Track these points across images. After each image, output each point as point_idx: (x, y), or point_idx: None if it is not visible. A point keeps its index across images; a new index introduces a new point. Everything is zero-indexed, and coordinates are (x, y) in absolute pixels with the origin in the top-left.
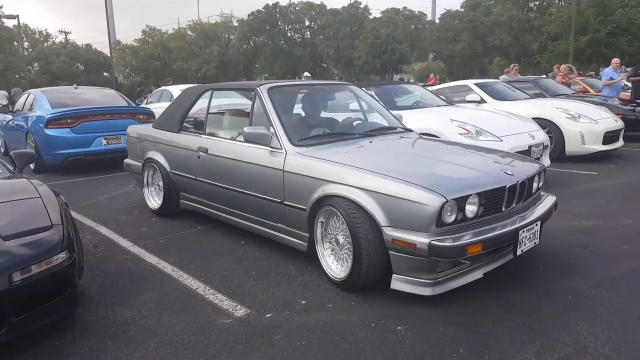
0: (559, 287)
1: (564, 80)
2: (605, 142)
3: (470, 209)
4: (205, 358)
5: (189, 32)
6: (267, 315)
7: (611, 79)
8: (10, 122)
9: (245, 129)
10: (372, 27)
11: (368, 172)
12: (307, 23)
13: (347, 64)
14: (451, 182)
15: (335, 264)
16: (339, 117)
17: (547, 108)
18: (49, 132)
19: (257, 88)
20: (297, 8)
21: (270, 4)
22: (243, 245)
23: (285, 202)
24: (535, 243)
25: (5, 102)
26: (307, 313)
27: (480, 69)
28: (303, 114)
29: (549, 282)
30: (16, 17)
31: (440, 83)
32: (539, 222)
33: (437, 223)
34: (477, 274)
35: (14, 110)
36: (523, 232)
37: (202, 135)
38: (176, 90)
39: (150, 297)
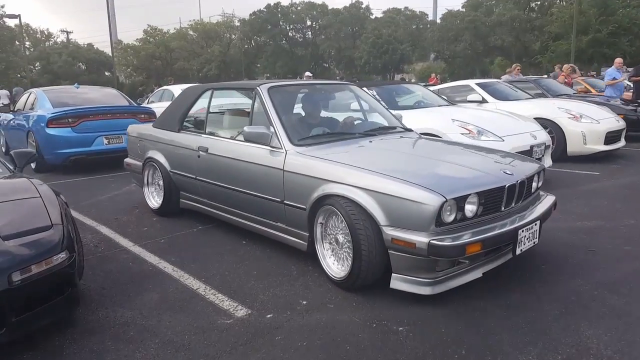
0: (561, 287)
1: (566, 80)
2: (607, 142)
3: (470, 209)
4: (206, 359)
5: (191, 32)
6: (268, 316)
7: (614, 78)
8: (12, 122)
9: (246, 129)
10: (374, 27)
11: (368, 172)
12: (308, 23)
13: (349, 64)
14: (450, 181)
15: (335, 264)
16: (340, 116)
17: (549, 108)
18: (50, 131)
19: (257, 87)
20: (299, 8)
21: (272, 4)
22: (244, 245)
23: (285, 202)
24: (534, 243)
25: (6, 101)
26: (308, 313)
27: (482, 69)
28: (303, 114)
29: (550, 282)
30: (18, 16)
31: (441, 83)
32: (538, 222)
33: (437, 222)
34: (477, 274)
35: (15, 109)
36: (522, 231)
37: (202, 135)
38: (177, 89)
39: (151, 297)
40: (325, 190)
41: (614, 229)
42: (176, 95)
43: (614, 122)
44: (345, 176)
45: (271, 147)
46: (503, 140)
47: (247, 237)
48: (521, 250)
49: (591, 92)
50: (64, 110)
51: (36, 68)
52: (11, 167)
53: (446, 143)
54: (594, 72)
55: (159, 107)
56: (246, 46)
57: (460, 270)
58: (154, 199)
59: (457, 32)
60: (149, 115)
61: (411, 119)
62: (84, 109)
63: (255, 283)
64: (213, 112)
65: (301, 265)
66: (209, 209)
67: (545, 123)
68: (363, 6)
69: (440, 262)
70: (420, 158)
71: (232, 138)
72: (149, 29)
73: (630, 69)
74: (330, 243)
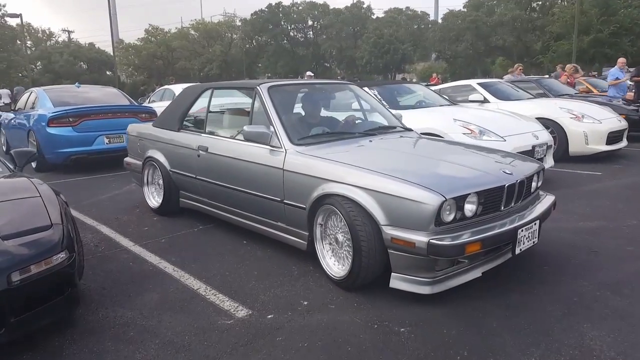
0: (563, 288)
1: (569, 80)
2: (609, 142)
3: (469, 208)
4: None
5: (192, 32)
6: (269, 317)
7: (617, 78)
8: (12, 121)
9: (245, 128)
10: (375, 27)
11: (367, 171)
12: (309, 23)
13: (350, 63)
14: (450, 181)
15: (334, 263)
16: (340, 116)
17: (551, 108)
18: (51, 130)
19: (257, 87)
20: (300, 8)
21: (273, 4)
22: (245, 245)
23: (284, 201)
24: (534, 242)
25: (8, 100)
26: (309, 314)
27: (483, 69)
28: (303, 113)
29: (553, 283)
30: (19, 15)
31: (442, 83)
32: (537, 221)
33: (436, 222)
34: (476, 273)
35: (16, 108)
36: (522, 231)
37: (202, 134)
38: (178, 89)
39: (151, 297)
40: (325, 190)
41: (616, 230)
42: (177, 94)
43: (616, 122)
44: (345, 175)
45: (271, 146)
46: (505, 140)
47: (247, 237)
48: (520, 249)
49: (593, 92)
50: (65, 110)
51: (37, 67)
52: (11, 167)
53: (446, 143)
54: (595, 72)
55: (160, 106)
56: (247, 46)
57: (460, 269)
58: (154, 199)
59: (458, 32)
60: (150, 115)
61: (413, 118)
62: (84, 108)
63: (256, 283)
64: (213, 112)
65: (302, 266)
66: (209, 208)
67: (547, 123)
68: (364, 6)
69: (440, 262)
70: (420, 158)
71: (232, 137)
72: (150, 28)
73: (631, 69)
74: (330, 242)
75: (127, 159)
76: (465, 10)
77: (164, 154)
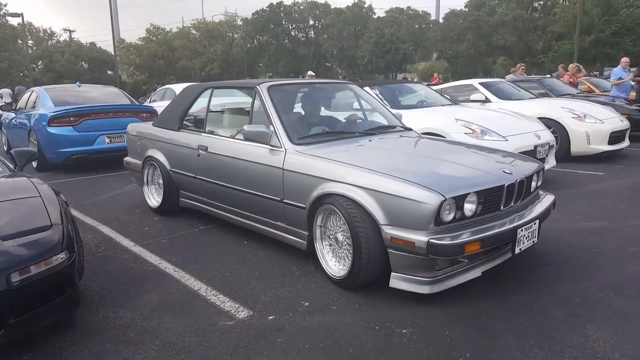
0: (566, 289)
1: (571, 80)
2: (611, 142)
3: (469, 208)
4: None
5: (193, 31)
6: (270, 318)
7: (620, 78)
8: (13, 120)
9: (245, 127)
10: (376, 27)
11: (367, 171)
12: (311, 22)
13: (351, 63)
14: (450, 180)
15: (334, 263)
16: (340, 115)
17: (553, 108)
18: (52, 130)
19: (257, 86)
20: (301, 7)
21: (275, 3)
22: (246, 246)
23: (284, 201)
24: (533, 242)
25: (9, 99)
26: (310, 315)
27: (484, 69)
28: (303, 113)
29: (556, 284)
30: (20, 15)
31: (443, 82)
32: (537, 221)
33: (436, 221)
34: (476, 273)
35: (17, 108)
36: (521, 230)
37: (202, 134)
38: (179, 88)
39: (152, 298)
40: (324, 189)
41: (619, 230)
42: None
43: (618, 122)
44: (344, 175)
45: (271, 146)
46: (507, 140)
47: (248, 237)
48: (520, 249)
49: (595, 91)
50: (66, 109)
51: (39, 67)
52: (11, 166)
53: (445, 142)
54: (597, 72)
55: (161, 106)
56: (249, 45)
57: (460, 269)
58: (154, 198)
59: (459, 31)
60: (151, 114)
61: (415, 118)
62: (85, 107)
63: (256, 284)
64: (213, 111)
65: (303, 266)
66: (209, 207)
67: (549, 123)
68: (366, 5)
69: (439, 261)
70: (420, 157)
71: (231, 137)
72: (151, 28)
73: (633, 69)
74: (329, 242)
75: (127, 159)
76: (466, 9)
77: (163, 154)
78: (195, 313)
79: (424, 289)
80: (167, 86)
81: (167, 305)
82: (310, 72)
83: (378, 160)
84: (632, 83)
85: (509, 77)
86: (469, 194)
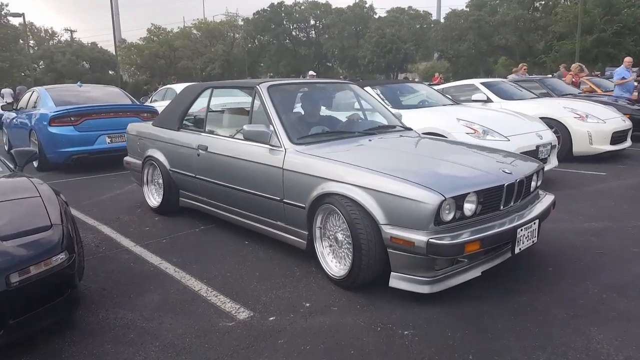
0: (569, 290)
1: (574, 80)
2: (613, 142)
3: (469, 207)
4: None
5: (194, 31)
6: (271, 319)
7: (623, 78)
8: (15, 120)
9: (245, 127)
10: (377, 27)
11: (367, 171)
12: (312, 22)
13: (352, 63)
14: (449, 180)
15: (334, 262)
16: (340, 115)
17: (555, 107)
18: (53, 130)
19: (257, 86)
20: (302, 7)
21: (276, 3)
22: (246, 246)
23: (284, 200)
24: (533, 242)
25: (10, 99)
26: (311, 316)
27: (486, 69)
28: (303, 113)
29: (558, 285)
30: (22, 15)
31: (444, 82)
32: (537, 221)
33: (436, 221)
34: (476, 272)
35: (18, 107)
36: (521, 230)
37: (202, 133)
38: (180, 88)
39: (152, 298)
40: (324, 189)
41: (621, 230)
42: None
43: (620, 122)
44: (344, 175)
45: (271, 145)
46: (509, 140)
47: (249, 238)
48: (520, 249)
49: (597, 91)
50: (67, 109)
51: (40, 67)
52: (11, 166)
53: (445, 142)
54: (598, 72)
55: (161, 105)
56: (250, 45)
57: (459, 269)
58: (154, 198)
59: (460, 31)
60: (152, 114)
61: (416, 118)
62: (86, 107)
63: (257, 284)
64: (213, 111)
65: (304, 267)
66: (209, 207)
67: (551, 123)
68: (367, 5)
69: (439, 261)
70: (420, 157)
71: (231, 137)
72: (152, 28)
73: (635, 69)
74: (329, 242)
75: (127, 158)
76: (467, 9)
77: (163, 153)
78: (195, 314)
79: (424, 289)
80: (168, 86)
81: (168, 306)
82: (311, 72)
83: (378, 160)
84: (635, 83)
85: (511, 77)
86: (468, 193)
